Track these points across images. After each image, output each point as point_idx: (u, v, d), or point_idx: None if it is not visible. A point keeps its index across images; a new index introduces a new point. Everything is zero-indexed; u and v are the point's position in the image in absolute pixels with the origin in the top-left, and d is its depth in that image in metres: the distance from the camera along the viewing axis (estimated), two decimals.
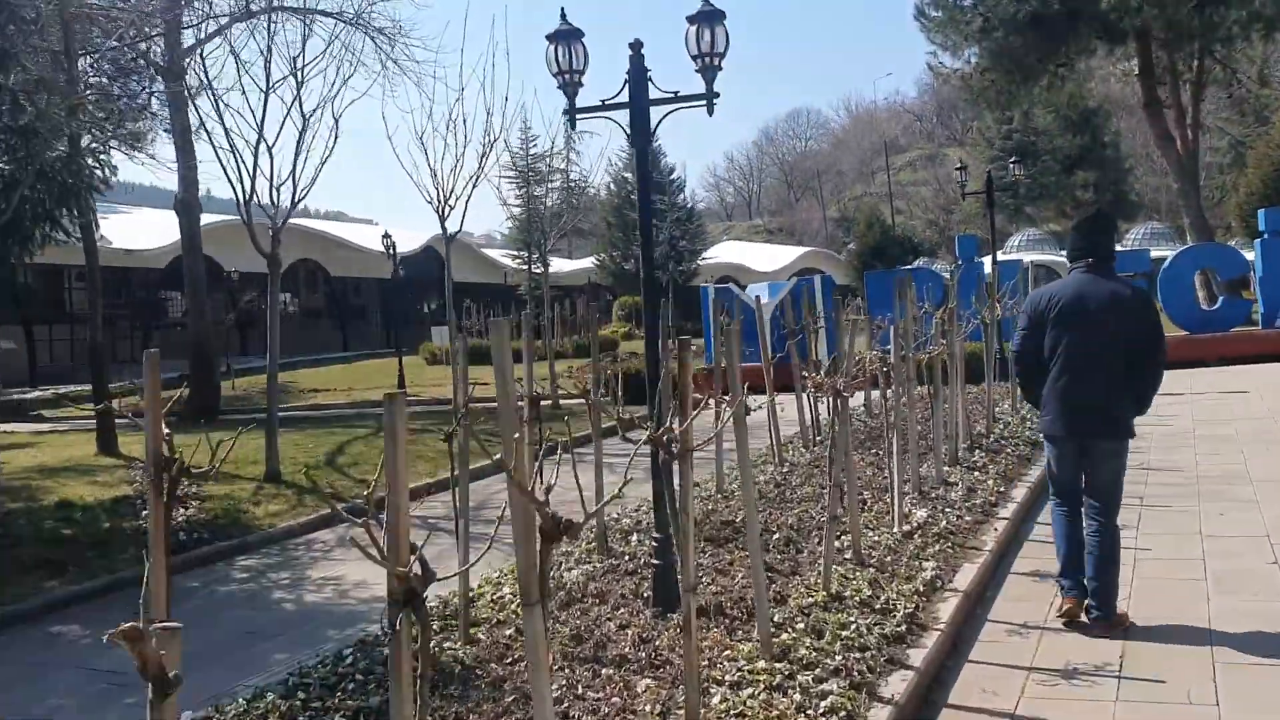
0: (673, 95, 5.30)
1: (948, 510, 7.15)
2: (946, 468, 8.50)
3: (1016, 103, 27.87)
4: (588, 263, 42.55)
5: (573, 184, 53.02)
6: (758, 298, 16.88)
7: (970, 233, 25.87)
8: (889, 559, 6.02)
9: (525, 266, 30.67)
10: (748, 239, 79.73)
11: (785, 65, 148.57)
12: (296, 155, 10.06)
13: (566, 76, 5.44)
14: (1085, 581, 5.05)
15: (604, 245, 37.88)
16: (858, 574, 5.71)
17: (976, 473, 8.40)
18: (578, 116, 5.47)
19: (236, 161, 10.73)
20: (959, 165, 21.60)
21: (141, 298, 33.73)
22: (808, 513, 7.33)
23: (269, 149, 10.40)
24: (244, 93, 29.76)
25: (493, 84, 43.28)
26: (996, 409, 11.84)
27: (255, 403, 22.91)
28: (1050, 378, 5.04)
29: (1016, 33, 22.63)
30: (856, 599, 5.28)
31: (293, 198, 10.26)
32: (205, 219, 20.04)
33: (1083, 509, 5.13)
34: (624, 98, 5.28)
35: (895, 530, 6.60)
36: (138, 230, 31.79)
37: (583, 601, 5.62)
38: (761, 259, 59.81)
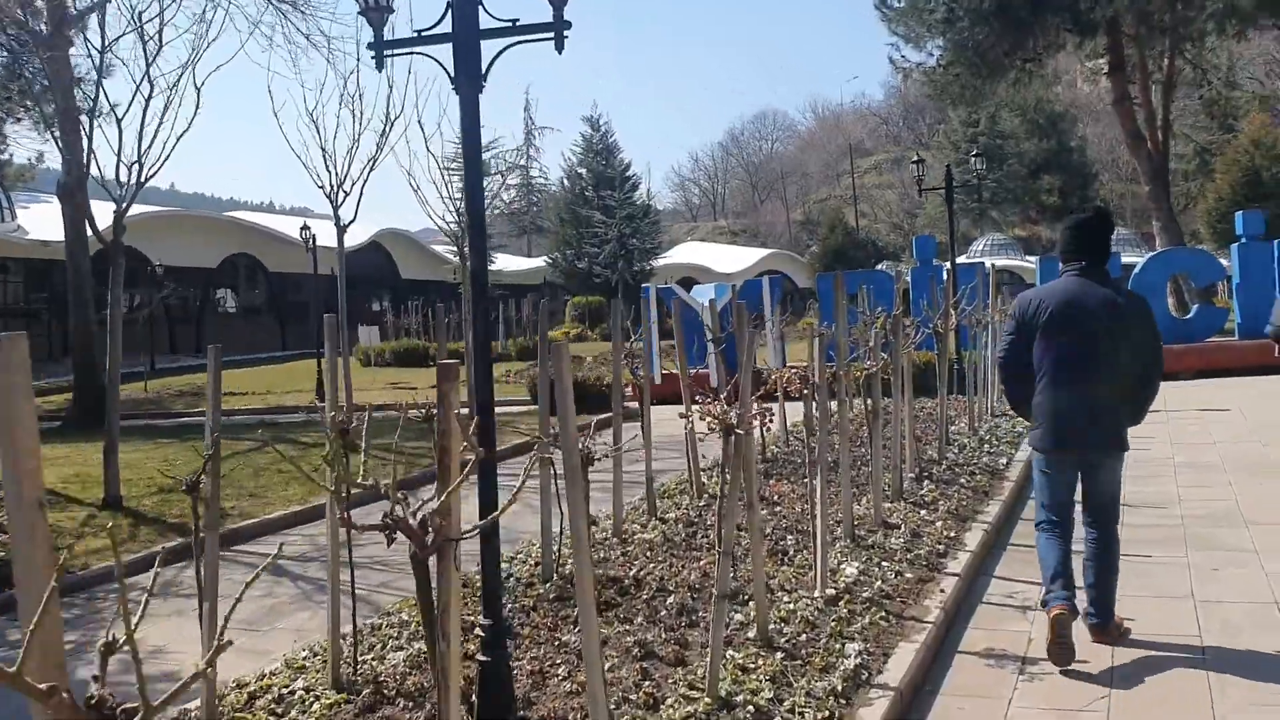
0: (510, 24, 3.92)
1: (885, 564, 5.82)
2: (888, 504, 7.20)
3: (981, 99, 26.77)
4: (540, 261, 41.01)
5: (532, 180, 51.73)
6: (711, 301, 15.60)
7: (929, 233, 24.66)
8: (804, 637, 4.69)
9: (466, 264, 29.24)
10: (712, 240, 78.94)
11: (752, 68, 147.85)
12: (142, 127, 8.55)
13: (369, 0, 4.06)
14: (1084, 590, 4.79)
15: (557, 243, 36.40)
16: (761, 662, 4.37)
17: (924, 511, 7.09)
18: (386, 54, 4.08)
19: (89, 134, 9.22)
20: (916, 159, 20.25)
21: (62, 292, 31.92)
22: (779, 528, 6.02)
23: (118, 120, 8.89)
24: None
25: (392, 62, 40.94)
26: (952, 428, 10.56)
27: (166, 406, 21.35)
28: (1040, 388, 4.74)
29: (981, 23, 21.46)
30: (751, 706, 3.93)
31: (138, 175, 8.72)
32: (137, 209, 18.57)
33: (1082, 525, 4.86)
34: (446, 27, 3.90)
35: (817, 594, 5.26)
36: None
37: (391, 703, 4.23)
38: (723, 260, 58.68)
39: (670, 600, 5.33)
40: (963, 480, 8.15)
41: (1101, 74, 29.17)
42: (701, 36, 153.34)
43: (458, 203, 14.31)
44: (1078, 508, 4.91)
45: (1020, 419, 7.66)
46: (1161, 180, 23.35)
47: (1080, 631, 4.71)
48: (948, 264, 17.39)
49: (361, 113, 14.73)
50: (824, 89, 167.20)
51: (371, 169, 14.05)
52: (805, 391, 6.75)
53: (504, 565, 6.01)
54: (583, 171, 35.78)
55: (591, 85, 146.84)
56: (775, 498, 7.83)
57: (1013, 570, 6.28)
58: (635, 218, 32.45)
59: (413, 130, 35.85)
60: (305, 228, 23.64)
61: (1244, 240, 16.43)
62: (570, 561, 5.35)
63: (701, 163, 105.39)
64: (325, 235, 40.39)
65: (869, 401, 7.00)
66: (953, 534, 6.59)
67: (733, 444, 4.18)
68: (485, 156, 29.60)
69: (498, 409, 6.50)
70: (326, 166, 13.95)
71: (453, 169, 26.09)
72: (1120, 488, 4.90)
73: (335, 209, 14.16)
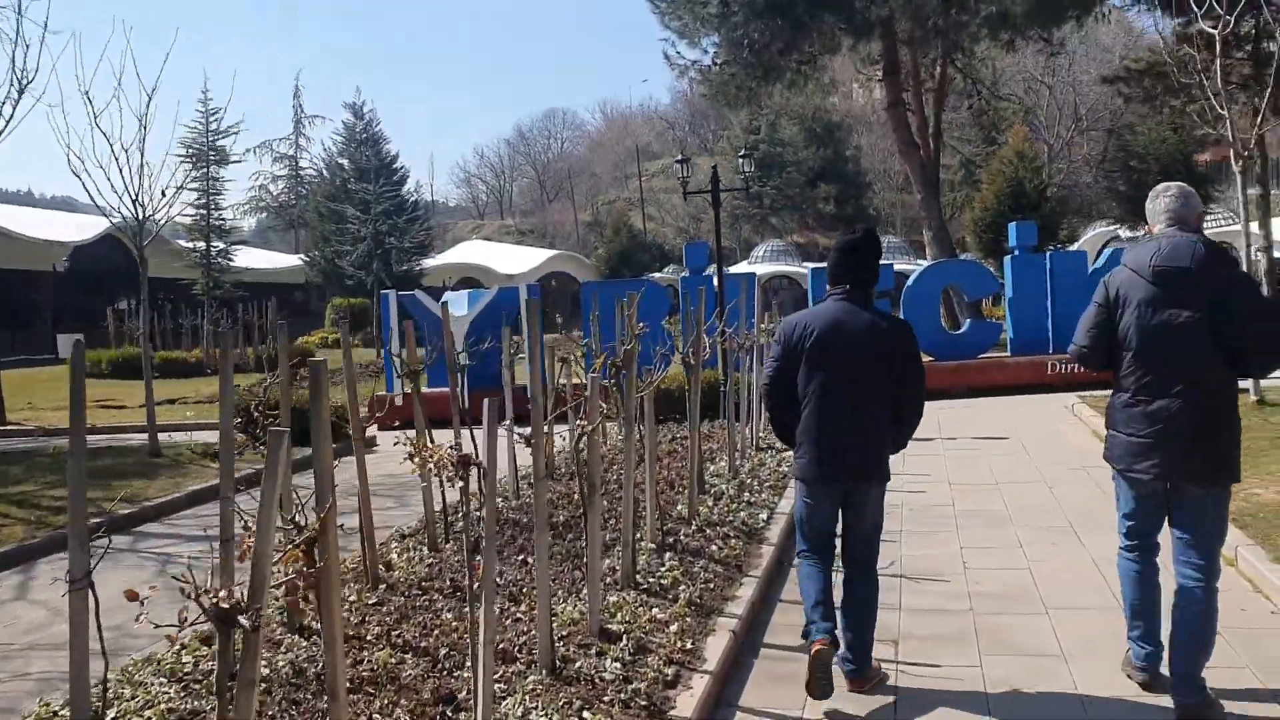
0: None
1: (588, 712, 4.09)
2: (616, 595, 5.50)
3: (757, 100, 25.93)
4: (296, 260, 37.72)
5: (301, 172, 48.12)
6: (443, 303, 13.72)
7: (701, 239, 23.52)
8: None
9: (204, 261, 26.01)
10: (498, 239, 76.87)
11: (543, 64, 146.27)
12: None
13: None
14: (840, 633, 4.59)
15: (315, 239, 33.40)
16: None
17: (657, 606, 5.41)
18: None
19: None
20: (680, 158, 18.89)
21: None
22: (442, 646, 4.20)
23: None
24: None
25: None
26: (711, 467, 9.04)
27: None
28: (805, 415, 4.61)
29: (756, 19, 20.44)
30: None
31: None
32: None
33: (838, 559, 4.75)
34: None
35: None
36: None
37: None
38: (507, 260, 56.75)
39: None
40: (714, 547, 6.56)
41: (876, 80, 29.03)
42: (493, 28, 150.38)
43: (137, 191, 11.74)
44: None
45: (787, 452, 7.08)
46: (933, 188, 23.06)
47: None
48: (743, 266, 16.05)
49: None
50: (614, 90, 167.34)
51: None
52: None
53: None
54: (344, 162, 32.94)
55: (371, 75, 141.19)
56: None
57: (765, 696, 4.69)
58: (393, 214, 29.86)
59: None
60: None
61: (1017, 252, 15.87)
62: None
63: (488, 159, 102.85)
64: (62, 228, 35.89)
65: (585, 469, 5.26)
66: (690, 643, 4.93)
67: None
68: (229, 142, 26.55)
69: (199, 434, 4.39)
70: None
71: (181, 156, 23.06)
72: (882, 520, 4.73)
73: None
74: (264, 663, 4.64)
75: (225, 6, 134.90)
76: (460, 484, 3.61)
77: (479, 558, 4.04)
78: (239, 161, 26.65)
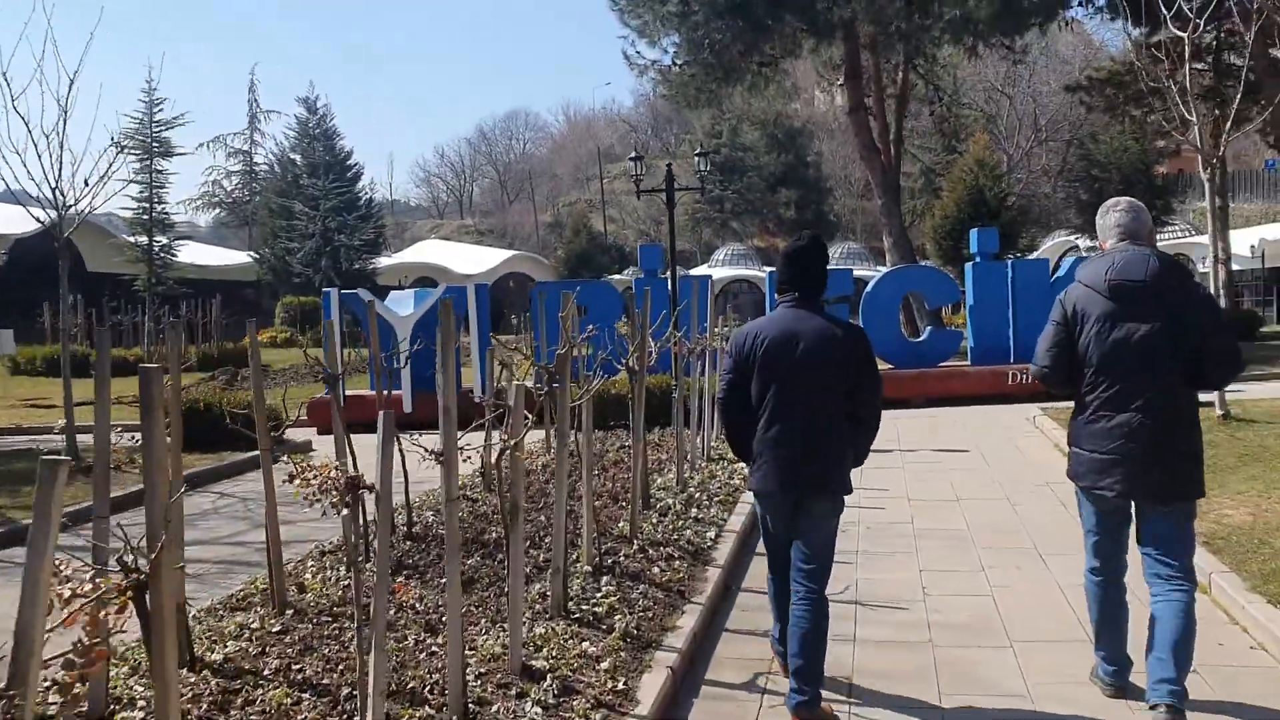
0: None
1: None
2: (544, 626, 5.00)
3: (718, 102, 25.53)
4: (246, 257, 36.75)
5: (256, 168, 47.24)
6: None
7: (659, 242, 23.09)
8: None
9: (146, 256, 25.14)
10: (457, 239, 76.08)
11: (505, 64, 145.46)
12: None
13: None
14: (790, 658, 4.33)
15: (266, 236, 32.54)
16: None
17: (589, 638, 4.92)
18: None
19: None
20: (634, 156, 18.38)
21: None
22: (345, 684, 3.68)
23: None
24: None
25: None
26: (659, 479, 8.58)
27: None
28: (760, 427, 4.41)
29: (717, 18, 20.03)
30: None
31: None
32: None
33: (792, 581, 4.45)
34: None
35: None
36: None
37: None
38: (465, 260, 55.99)
39: None
40: (656, 569, 6.08)
41: (837, 85, 28.76)
42: (454, 26, 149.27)
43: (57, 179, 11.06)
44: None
45: (740, 463, 6.64)
46: (893, 194, 22.80)
47: None
48: (704, 268, 15.63)
49: None
50: (577, 92, 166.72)
51: None
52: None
53: None
54: (296, 158, 32.10)
55: (329, 71, 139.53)
56: (400, 605, 5.49)
57: None
58: (343, 210, 29.04)
59: None
60: None
61: (978, 259, 15.55)
62: None
63: (448, 158, 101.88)
64: (2, 221, 34.55)
65: (507, 489, 4.77)
66: (623, 682, 4.45)
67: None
68: (174, 133, 25.65)
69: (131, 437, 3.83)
70: None
71: (127, 147, 22.23)
72: (835, 537, 4.49)
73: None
74: None
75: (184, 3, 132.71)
76: (346, 511, 3.09)
77: (400, 578, 3.54)
78: (184, 154, 25.69)
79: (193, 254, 40.82)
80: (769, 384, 4.39)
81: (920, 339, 16.39)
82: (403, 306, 14.99)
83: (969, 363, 15.55)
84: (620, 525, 6.89)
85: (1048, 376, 4.30)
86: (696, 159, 17.45)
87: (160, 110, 25.19)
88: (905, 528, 7.69)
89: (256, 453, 7.41)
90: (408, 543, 6.86)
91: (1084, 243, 35.03)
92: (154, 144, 25.41)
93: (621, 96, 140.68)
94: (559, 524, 5.25)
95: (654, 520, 7.12)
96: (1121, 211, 4.18)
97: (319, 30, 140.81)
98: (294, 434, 13.55)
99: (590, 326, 10.21)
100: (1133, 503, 4.11)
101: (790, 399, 4.35)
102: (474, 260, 56.36)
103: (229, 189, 61.47)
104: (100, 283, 37.56)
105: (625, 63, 23.43)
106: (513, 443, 4.46)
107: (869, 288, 15.72)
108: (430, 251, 58.90)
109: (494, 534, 6.95)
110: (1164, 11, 13.34)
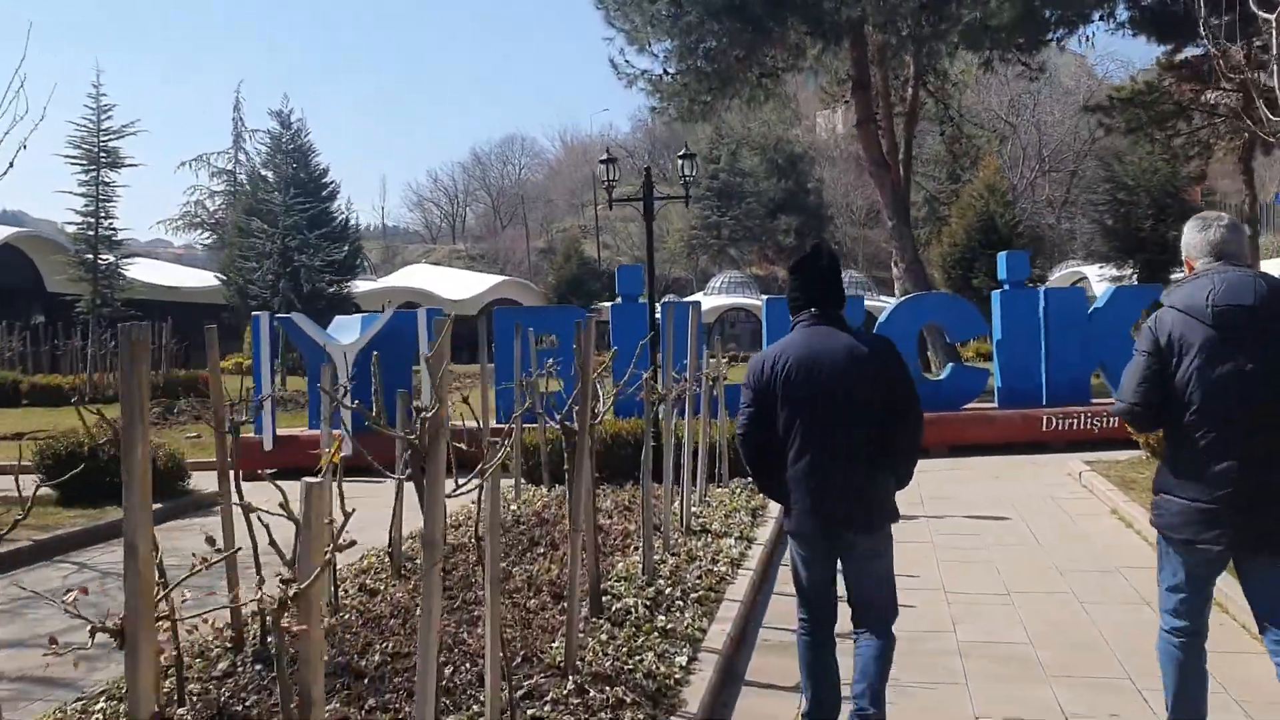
0: None
1: None
2: None
3: (712, 114, 23.70)
4: (213, 279, 34.76)
5: (240, 187, 45.73)
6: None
7: (637, 263, 21.19)
8: None
9: (90, 275, 23.18)
10: (448, 264, 74.63)
11: (502, 90, 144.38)
12: None
13: None
14: (851, 698, 3.99)
15: (233, 256, 30.58)
16: None
17: None
18: None
19: None
20: (605, 158, 16.36)
21: None
22: None
23: None
24: None
25: None
26: (618, 565, 6.59)
27: None
28: (790, 462, 4.02)
29: (712, 19, 18.21)
30: None
31: None
32: None
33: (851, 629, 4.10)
34: None
35: None
36: None
37: None
38: (453, 285, 54.33)
39: None
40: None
41: (843, 102, 27.04)
42: (452, 53, 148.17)
43: None
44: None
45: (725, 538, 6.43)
46: (904, 214, 20.95)
47: None
48: (698, 296, 13.80)
49: None
50: (575, 118, 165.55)
51: None
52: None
53: None
54: (268, 175, 30.22)
55: (321, 89, 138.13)
56: None
57: None
58: (304, 228, 27.02)
59: None
60: None
61: (1007, 287, 13.58)
62: None
63: (441, 182, 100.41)
64: None
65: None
66: None
67: None
68: (106, 140, 23.71)
69: None
70: None
71: (71, 157, 20.39)
72: (893, 572, 4.11)
73: None
74: None
75: (174, 18, 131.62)
76: None
77: None
78: (135, 165, 23.74)
79: (158, 274, 38.88)
80: (795, 413, 4.03)
81: (940, 377, 14.40)
82: (346, 333, 13.03)
83: (995, 405, 13.56)
84: (555, 647, 4.89)
85: (1139, 415, 3.77)
86: (680, 161, 15.38)
87: (109, 118, 23.31)
88: (946, 640, 5.70)
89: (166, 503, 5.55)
90: (257, 666, 4.87)
91: (1093, 272, 33.17)
92: (101, 154, 23.50)
93: (619, 122, 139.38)
94: (424, 671, 3.25)
95: (604, 635, 5.12)
96: (1222, 228, 3.72)
97: (310, 46, 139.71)
98: (207, 481, 11.58)
99: (552, 360, 8.28)
100: (1233, 554, 3.61)
101: (820, 428, 3.99)
102: (461, 285, 54.70)
103: (212, 210, 59.77)
104: (64, 304, 35.54)
105: (613, 72, 21.60)
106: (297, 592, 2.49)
107: (882, 318, 13.74)
108: (416, 276, 57.20)
109: (384, 650, 4.96)
110: (1202, 30, 11.61)
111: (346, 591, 6.08)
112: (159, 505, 10.27)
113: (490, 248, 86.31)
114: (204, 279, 39.92)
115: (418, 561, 6.65)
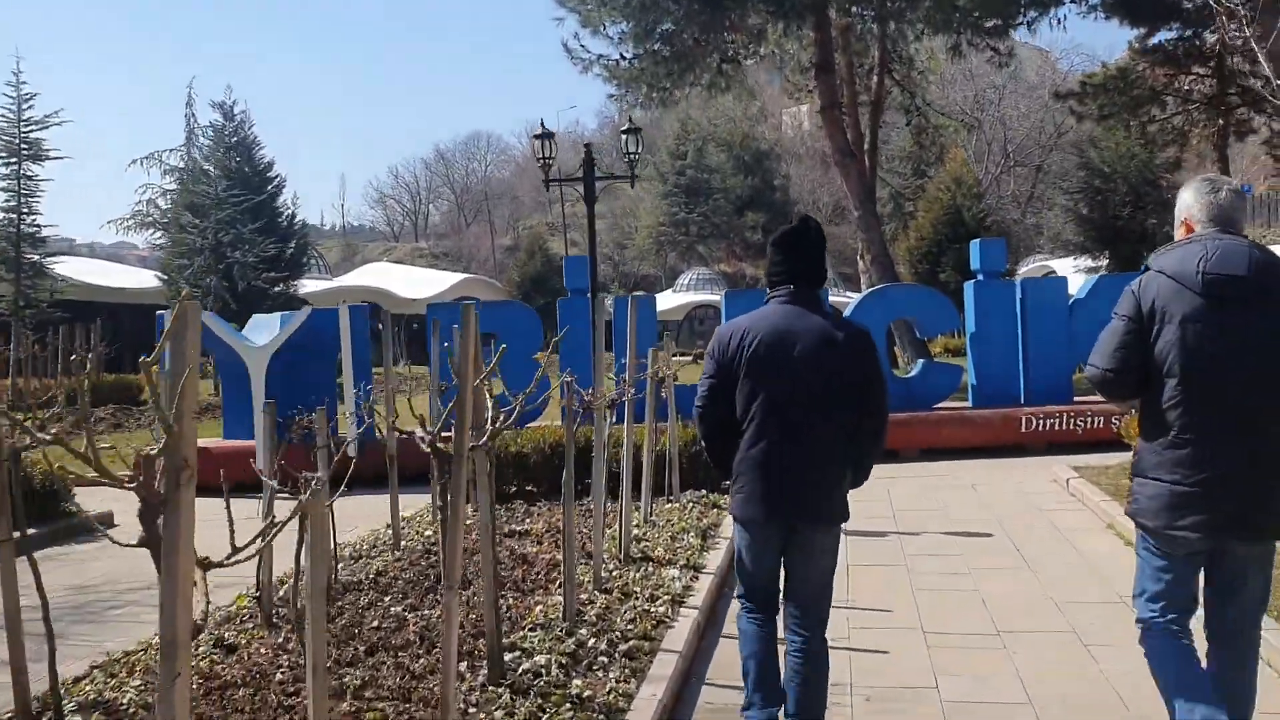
0: None
1: None
2: None
3: (672, 102, 22.67)
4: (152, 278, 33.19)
5: (185, 181, 44.08)
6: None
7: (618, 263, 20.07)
8: None
9: (12, 274, 21.77)
10: (410, 262, 73.34)
11: (466, 86, 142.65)
12: None
13: None
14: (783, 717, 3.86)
15: (172, 254, 29.17)
16: None
17: None
18: None
19: None
20: (538, 134, 15.09)
21: None
22: None
23: None
24: None
25: None
26: (535, 609, 5.56)
27: None
28: (745, 442, 3.84)
29: None
30: None
31: None
32: None
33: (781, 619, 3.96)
34: None
35: None
36: None
37: None
38: (413, 283, 53.04)
39: None
40: None
41: (807, 90, 26.11)
42: (415, 47, 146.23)
43: None
44: None
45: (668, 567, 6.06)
46: (870, 204, 19.99)
47: None
48: (665, 294, 12.81)
49: None
50: (541, 114, 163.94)
51: None
52: None
53: None
54: (210, 169, 28.86)
55: (281, 84, 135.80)
56: None
57: None
58: (237, 222, 25.63)
59: None
60: None
61: (982, 277, 12.61)
62: None
63: (403, 179, 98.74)
64: None
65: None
66: None
67: None
68: (28, 130, 22.25)
69: None
70: None
71: None
72: (834, 574, 3.96)
73: None
74: None
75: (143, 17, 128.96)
76: None
77: None
78: (60, 158, 22.25)
79: (101, 274, 37.27)
80: (757, 391, 3.81)
81: (910, 374, 13.43)
82: (261, 334, 11.87)
83: (970, 404, 12.60)
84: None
85: (1111, 382, 3.49)
86: (624, 137, 14.14)
87: (30, 107, 21.91)
88: (928, 700, 4.68)
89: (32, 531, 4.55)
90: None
91: (1064, 265, 32.45)
92: (22, 145, 22.10)
93: (585, 118, 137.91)
94: None
95: (500, 711, 4.05)
96: (1231, 191, 3.47)
97: (267, 38, 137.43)
98: (103, 500, 10.42)
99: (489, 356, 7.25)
100: (1213, 543, 3.35)
101: (782, 410, 3.78)
102: (421, 283, 53.42)
103: (164, 209, 58.15)
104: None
105: (566, 56, 20.53)
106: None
107: (848, 311, 12.75)
108: (375, 274, 55.81)
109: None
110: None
111: (198, 645, 4.98)
112: (34, 530, 9.11)
113: (454, 246, 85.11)
114: (147, 279, 38.44)
115: (302, 604, 5.59)
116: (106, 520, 9.69)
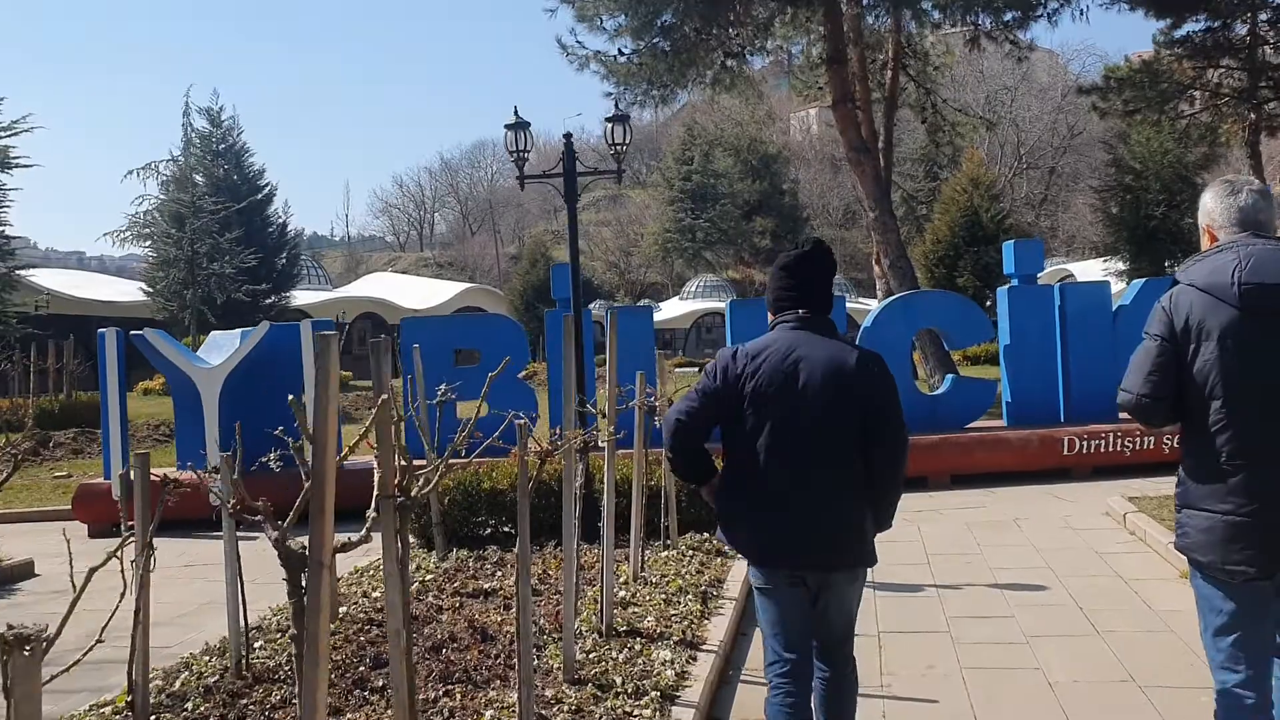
0: None
1: None
2: None
3: (672, 99, 21.49)
4: (136, 291, 32.16)
5: (170, 190, 42.90)
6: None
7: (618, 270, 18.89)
8: None
9: None
10: (414, 272, 72.53)
11: (472, 96, 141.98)
12: None
13: None
14: None
15: (157, 266, 28.14)
16: None
17: None
18: None
19: None
20: (512, 123, 13.61)
21: None
22: None
23: None
24: None
25: None
26: (482, 713, 4.37)
27: None
28: (746, 478, 3.50)
29: None
30: None
31: None
32: None
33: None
34: None
35: None
36: None
37: None
38: (416, 294, 52.14)
39: None
40: None
41: (817, 88, 24.95)
42: (421, 58, 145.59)
43: None
44: None
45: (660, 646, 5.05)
46: (886, 205, 18.79)
47: None
48: (669, 302, 11.57)
49: None
50: (548, 123, 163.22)
51: None
52: None
53: None
54: (198, 178, 27.82)
55: (283, 94, 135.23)
56: None
57: None
58: (214, 232, 24.55)
59: None
60: None
61: (1015, 283, 11.40)
62: None
63: (408, 188, 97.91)
64: None
65: None
66: None
67: None
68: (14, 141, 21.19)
69: None
70: None
71: None
72: (857, 612, 3.63)
73: None
74: None
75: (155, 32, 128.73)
76: None
77: None
78: (29, 166, 21.16)
79: (92, 288, 36.18)
80: (764, 421, 3.46)
81: (939, 391, 12.21)
82: (216, 353, 10.72)
83: (1005, 423, 11.37)
84: None
85: (1147, 408, 3.16)
86: (609, 126, 12.94)
87: None
88: None
89: None
90: None
91: (1091, 268, 31.15)
92: None
93: (591, 125, 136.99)
94: None
95: None
96: (1253, 192, 3.19)
97: (272, 49, 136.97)
98: (32, 540, 9.29)
99: (444, 386, 6.18)
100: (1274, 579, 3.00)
101: (791, 443, 3.44)
102: (424, 293, 52.52)
103: (162, 220, 57.37)
104: None
105: (562, 53, 19.40)
106: None
107: (868, 321, 11.49)
108: (376, 285, 54.90)
109: None
110: None
111: None
112: None
113: (459, 255, 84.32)
114: (133, 292, 37.34)
115: (190, 706, 4.43)
116: (27, 570, 8.55)
